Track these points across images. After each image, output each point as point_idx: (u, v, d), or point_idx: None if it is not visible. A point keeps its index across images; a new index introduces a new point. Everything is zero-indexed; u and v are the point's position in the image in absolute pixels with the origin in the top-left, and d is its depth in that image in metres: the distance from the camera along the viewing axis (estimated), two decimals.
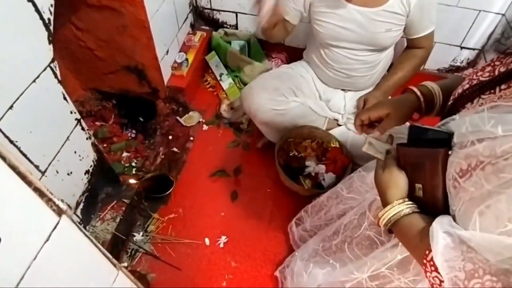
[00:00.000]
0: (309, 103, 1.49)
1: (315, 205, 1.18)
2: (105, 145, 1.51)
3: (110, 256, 0.52)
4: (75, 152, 1.03)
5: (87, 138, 1.08)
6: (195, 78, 1.81)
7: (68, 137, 0.98)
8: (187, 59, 1.72)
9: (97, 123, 1.64)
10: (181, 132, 1.66)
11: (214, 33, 1.88)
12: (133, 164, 1.50)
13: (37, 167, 0.88)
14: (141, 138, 1.62)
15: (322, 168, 1.45)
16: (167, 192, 1.39)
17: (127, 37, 1.43)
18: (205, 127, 1.71)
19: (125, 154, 1.51)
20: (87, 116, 1.74)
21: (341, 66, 1.41)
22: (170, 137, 1.64)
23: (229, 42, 1.91)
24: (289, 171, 1.46)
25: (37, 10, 0.78)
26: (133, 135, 1.63)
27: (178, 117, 1.70)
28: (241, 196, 1.48)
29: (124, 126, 1.69)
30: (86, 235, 0.44)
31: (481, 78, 0.61)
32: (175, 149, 1.59)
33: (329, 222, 1.09)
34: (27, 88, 0.80)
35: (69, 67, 1.67)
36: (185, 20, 1.78)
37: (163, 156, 1.56)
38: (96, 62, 1.59)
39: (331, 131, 1.53)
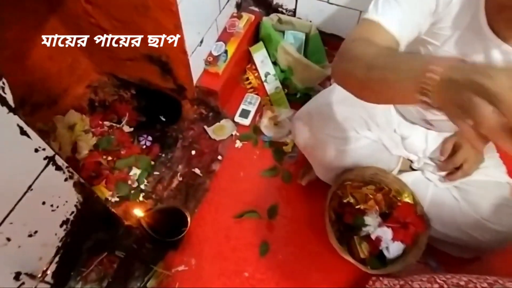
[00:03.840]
0: (384, 140, 1.07)
1: None
2: (109, 158, 1.18)
3: None
4: (44, 203, 0.70)
5: (66, 179, 0.74)
6: (234, 75, 1.42)
7: (30, 186, 0.65)
8: (226, 51, 1.33)
9: (106, 122, 1.31)
10: (207, 146, 1.31)
11: (264, 18, 1.45)
12: (142, 186, 1.17)
13: None
14: (157, 149, 1.28)
15: (387, 233, 1.04)
16: (179, 237, 1.06)
17: (148, 20, 1.05)
18: (238, 143, 1.33)
19: (134, 171, 1.18)
20: (99, 106, 1.42)
21: None
22: (193, 152, 1.29)
23: (282, 33, 1.49)
24: (340, 225, 1.08)
25: None
26: (148, 143, 1.29)
27: (206, 126, 1.33)
28: (272, 250, 1.12)
29: (141, 127, 1.36)
30: None
31: None
32: (196, 171, 1.24)
33: None
34: None
35: (81, 46, 1.33)
36: None
37: (181, 178, 1.22)
38: (111, 45, 1.23)
39: (401, 176, 1.11)
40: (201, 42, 1.22)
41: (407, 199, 1.08)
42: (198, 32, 1.18)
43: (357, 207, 1.11)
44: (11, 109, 0.56)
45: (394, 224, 1.06)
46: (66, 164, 0.73)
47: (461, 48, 0.72)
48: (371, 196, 1.11)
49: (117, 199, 1.13)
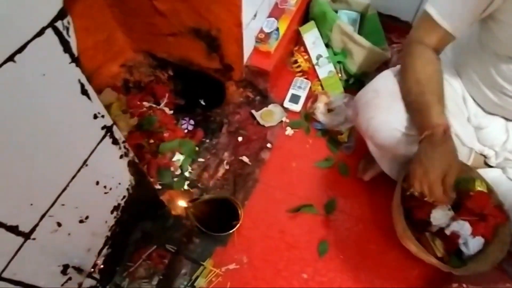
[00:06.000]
0: (456, 128, 0.93)
1: None
2: (151, 141, 1.06)
3: None
4: (97, 183, 0.59)
5: (121, 156, 0.62)
6: (283, 57, 1.29)
7: (86, 161, 0.53)
8: (277, 29, 1.20)
9: (144, 103, 1.20)
10: (255, 133, 1.18)
11: None
12: (187, 174, 1.05)
13: (12, 229, 0.44)
14: (201, 134, 1.16)
15: (465, 227, 0.91)
16: (232, 230, 0.94)
17: None
18: (288, 130, 1.21)
19: (177, 157, 1.06)
20: (133, 87, 1.31)
21: None
22: (240, 138, 1.16)
23: (335, 12, 1.35)
24: (406, 221, 0.94)
25: None
26: (190, 127, 1.17)
27: (253, 111, 1.21)
28: (332, 250, 0.99)
29: (179, 110, 1.24)
30: None
31: None
32: (244, 159, 1.12)
33: None
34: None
35: (119, 19, 1.22)
36: None
37: (227, 167, 1.10)
38: (154, 18, 1.12)
39: None
40: (255, 15, 1.09)
41: (480, 188, 0.94)
42: (254, 3, 1.06)
43: (423, 201, 0.96)
44: (74, 59, 0.44)
45: (470, 217, 0.92)
46: (123, 138, 0.61)
47: None
48: None
49: (160, 187, 1.01)
